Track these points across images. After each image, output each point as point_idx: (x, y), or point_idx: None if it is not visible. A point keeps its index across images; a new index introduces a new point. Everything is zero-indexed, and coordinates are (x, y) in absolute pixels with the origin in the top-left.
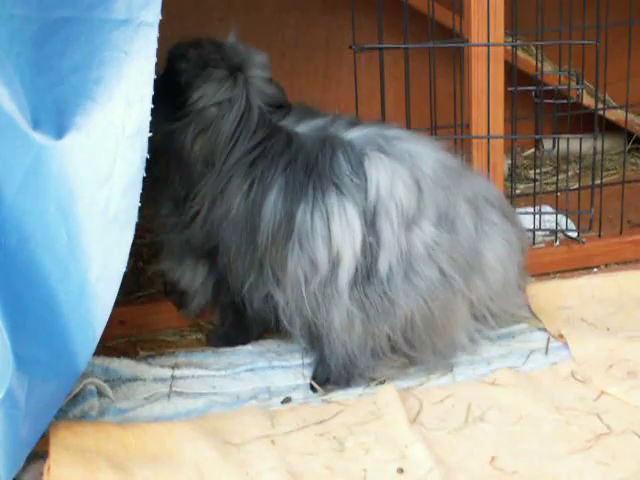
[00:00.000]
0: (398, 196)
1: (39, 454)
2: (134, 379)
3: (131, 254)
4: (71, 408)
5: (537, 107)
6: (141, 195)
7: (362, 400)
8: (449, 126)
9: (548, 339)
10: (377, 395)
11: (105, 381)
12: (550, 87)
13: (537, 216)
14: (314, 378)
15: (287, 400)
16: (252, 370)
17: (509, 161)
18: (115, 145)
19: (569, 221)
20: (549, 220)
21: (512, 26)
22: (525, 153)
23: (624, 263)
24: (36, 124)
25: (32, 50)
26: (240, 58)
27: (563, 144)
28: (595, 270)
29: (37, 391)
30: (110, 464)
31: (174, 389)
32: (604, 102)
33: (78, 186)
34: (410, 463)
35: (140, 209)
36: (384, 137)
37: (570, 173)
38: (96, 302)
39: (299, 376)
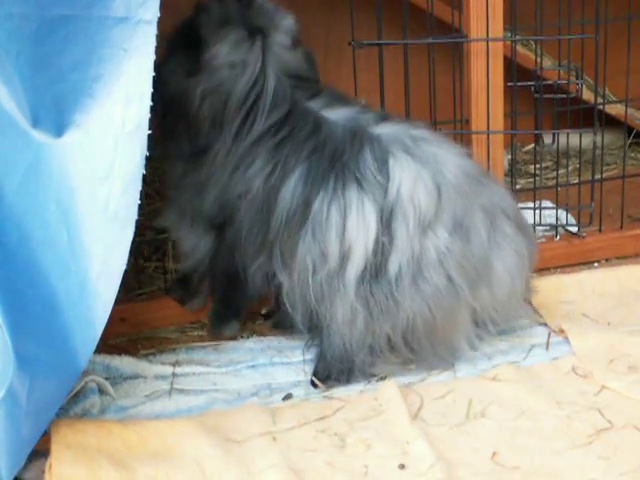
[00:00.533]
0: (418, 200)
1: (40, 452)
2: (135, 376)
3: (131, 251)
4: (72, 406)
5: (537, 102)
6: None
7: (363, 396)
8: (449, 121)
9: (549, 334)
10: (378, 391)
11: (106, 379)
12: (550, 82)
13: (537, 211)
14: (315, 374)
15: (288, 397)
16: (253, 367)
17: (509, 156)
18: (115, 142)
19: (569, 216)
20: (550, 215)
21: (511, 21)
22: (525, 148)
23: (625, 258)
24: (36, 122)
25: (31, 48)
26: (263, 21)
27: (563, 139)
28: (596, 265)
29: (38, 389)
30: (111, 461)
31: (175, 386)
32: (604, 97)
33: (78, 184)
34: (411, 459)
35: (140, 206)
36: (411, 137)
37: (570, 168)
38: (97, 300)
39: (300, 372)
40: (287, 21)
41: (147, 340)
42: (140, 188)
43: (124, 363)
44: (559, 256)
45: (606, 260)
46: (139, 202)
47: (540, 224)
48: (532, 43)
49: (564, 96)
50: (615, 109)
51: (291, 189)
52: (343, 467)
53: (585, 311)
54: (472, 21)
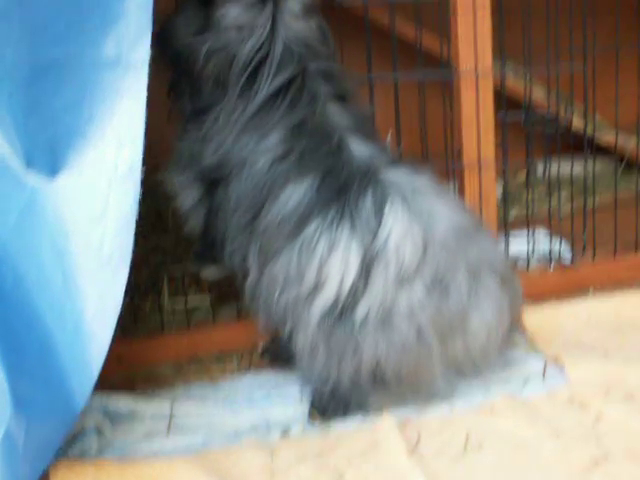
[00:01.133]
0: (402, 253)
1: None
2: (132, 415)
3: (127, 289)
4: (70, 446)
5: (527, 134)
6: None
7: (360, 430)
8: (440, 153)
9: (545, 364)
10: (375, 425)
11: (104, 418)
12: (539, 115)
13: (530, 240)
14: (312, 408)
15: (286, 432)
16: (250, 402)
17: (502, 185)
18: (108, 184)
19: (563, 244)
20: (544, 243)
21: (500, 52)
22: (518, 178)
23: (619, 285)
24: (29, 164)
25: (24, 91)
26: None
27: (555, 167)
28: (590, 293)
29: (35, 431)
30: None
31: (173, 424)
32: (594, 124)
33: (72, 225)
34: None
35: (135, 242)
36: (412, 188)
37: (564, 196)
38: (92, 341)
39: (298, 407)
40: None
41: (144, 378)
42: (134, 229)
43: (121, 402)
44: (553, 285)
45: (600, 288)
46: (134, 238)
47: (533, 254)
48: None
49: (553, 129)
50: (606, 137)
51: (297, 196)
52: None
53: (581, 340)
54: (461, 54)
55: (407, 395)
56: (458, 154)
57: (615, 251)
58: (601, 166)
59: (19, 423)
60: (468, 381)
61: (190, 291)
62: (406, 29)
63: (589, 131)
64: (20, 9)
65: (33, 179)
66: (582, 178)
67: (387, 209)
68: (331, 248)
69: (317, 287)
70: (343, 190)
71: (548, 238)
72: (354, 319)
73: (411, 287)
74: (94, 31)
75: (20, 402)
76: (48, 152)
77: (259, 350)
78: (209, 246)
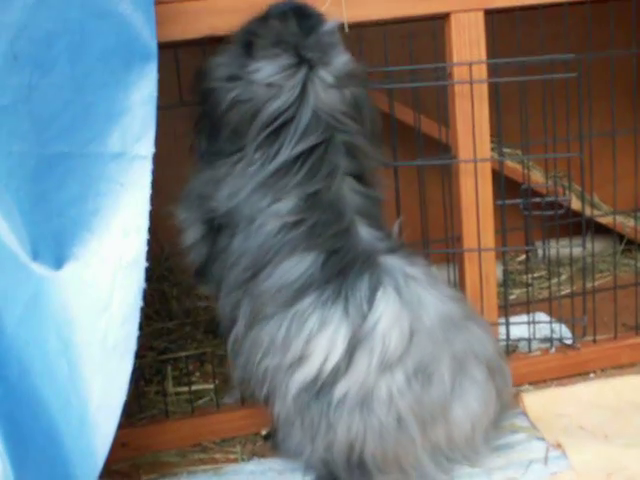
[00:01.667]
0: (389, 341)
1: None
2: None
3: (132, 374)
4: None
5: (526, 219)
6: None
7: None
8: (441, 240)
9: (547, 448)
10: None
11: None
12: (537, 200)
13: (531, 323)
14: None
15: None
16: None
17: (503, 267)
18: (113, 275)
19: (564, 327)
20: (544, 327)
21: (498, 138)
22: (519, 258)
23: (620, 367)
24: (35, 255)
25: (31, 184)
26: (315, 53)
27: (555, 248)
28: (592, 376)
29: None
30: None
31: None
32: (592, 205)
33: (77, 316)
34: None
35: (140, 327)
36: (405, 275)
37: (564, 277)
38: (97, 431)
39: None
40: (339, 59)
41: (149, 464)
42: (138, 319)
43: None
44: (555, 368)
45: (602, 370)
46: (139, 323)
47: (534, 338)
48: (519, 153)
49: (552, 212)
50: (605, 218)
51: (299, 269)
52: None
53: (582, 424)
54: (460, 142)
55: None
56: (458, 239)
57: (616, 332)
58: (601, 246)
59: None
60: (470, 467)
61: (194, 375)
62: (405, 115)
63: (588, 212)
64: (28, 104)
65: (39, 270)
66: (582, 259)
67: (379, 295)
68: (322, 325)
69: (301, 360)
70: (343, 271)
71: (549, 320)
72: (331, 398)
73: (393, 374)
74: (99, 125)
75: None
76: (54, 243)
77: (262, 435)
78: (205, 280)
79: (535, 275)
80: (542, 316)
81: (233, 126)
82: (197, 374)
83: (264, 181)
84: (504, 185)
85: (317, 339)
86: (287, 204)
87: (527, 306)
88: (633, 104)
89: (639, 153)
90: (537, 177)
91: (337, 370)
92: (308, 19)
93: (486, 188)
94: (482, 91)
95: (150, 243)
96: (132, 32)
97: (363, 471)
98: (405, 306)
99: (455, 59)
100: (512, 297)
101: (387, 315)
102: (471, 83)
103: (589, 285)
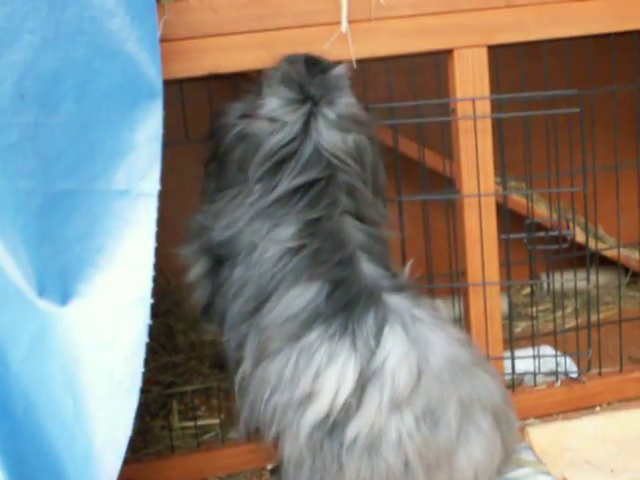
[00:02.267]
0: (398, 378)
1: None
2: None
3: (138, 410)
4: None
5: (530, 253)
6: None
7: None
8: (445, 274)
9: None
10: None
11: None
12: (542, 234)
13: (536, 357)
14: None
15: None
16: None
17: (508, 300)
18: (118, 312)
19: (569, 360)
20: (550, 360)
21: (502, 172)
22: (524, 291)
23: (626, 401)
24: (41, 292)
25: (36, 221)
26: (321, 92)
27: (559, 281)
28: (597, 409)
29: None
30: None
31: None
32: (596, 238)
33: (82, 352)
34: None
35: (146, 361)
36: (411, 315)
37: (569, 310)
38: (102, 468)
39: None
40: (343, 100)
41: None
42: (144, 356)
43: None
44: (560, 402)
45: (607, 404)
46: (145, 357)
47: (540, 372)
48: (524, 186)
49: (556, 247)
50: (610, 251)
51: (304, 299)
52: None
53: (588, 458)
54: (464, 176)
55: None
56: (462, 273)
57: (621, 365)
58: (606, 278)
59: None
60: None
61: (200, 410)
62: (410, 149)
63: (592, 245)
64: (34, 142)
65: (45, 306)
66: (587, 292)
67: (387, 331)
68: (330, 359)
69: (310, 396)
70: (349, 305)
71: (554, 354)
72: (343, 439)
73: (402, 414)
74: (105, 162)
75: None
76: (59, 280)
77: (269, 470)
78: (210, 317)
79: (540, 308)
80: (547, 349)
81: (237, 161)
82: (203, 408)
83: (263, 210)
84: (508, 218)
85: (326, 374)
86: (287, 230)
87: (532, 340)
88: (637, 137)
89: None
90: (541, 210)
91: (348, 407)
92: (317, 64)
93: (490, 222)
94: (486, 126)
95: (156, 279)
96: (138, 70)
97: None
98: (412, 345)
99: (459, 94)
100: (517, 330)
101: (395, 352)
102: (474, 119)
103: (594, 318)
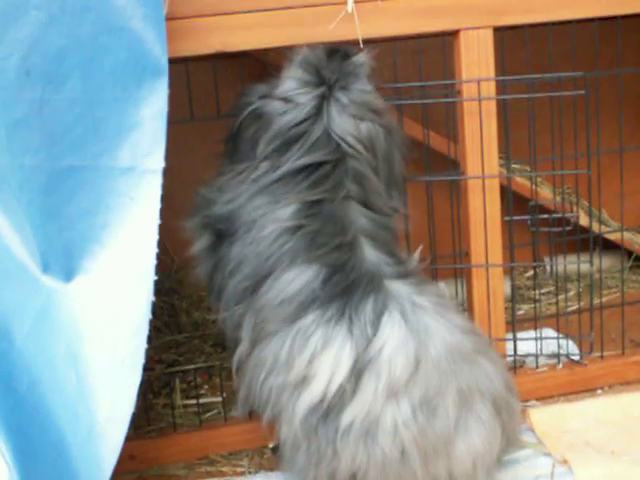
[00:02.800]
0: (395, 366)
1: None
2: None
3: (140, 387)
4: None
5: (534, 235)
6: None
7: None
8: (449, 255)
9: (553, 464)
10: None
11: None
12: (545, 216)
13: (538, 339)
14: None
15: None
16: None
17: (511, 282)
18: (122, 288)
19: (571, 343)
20: (552, 342)
21: (506, 154)
22: (527, 274)
23: (627, 384)
24: (46, 268)
25: (41, 197)
26: (337, 77)
27: (562, 264)
28: (599, 392)
29: None
30: None
31: None
32: (600, 222)
33: (86, 328)
34: None
35: (149, 339)
36: (412, 303)
37: (572, 293)
38: (105, 443)
39: None
40: (359, 87)
41: (156, 477)
42: (147, 333)
43: None
44: (562, 384)
45: (609, 387)
46: (148, 335)
47: (542, 354)
48: (528, 169)
49: (560, 229)
50: (613, 234)
51: (301, 282)
52: None
53: (588, 440)
54: (468, 158)
55: None
56: (466, 255)
57: (623, 349)
58: (609, 262)
59: None
60: None
61: (202, 388)
62: (414, 130)
63: (596, 228)
64: (40, 118)
65: (49, 282)
66: (590, 275)
67: (385, 319)
68: (325, 343)
69: (305, 380)
70: (347, 291)
71: (556, 336)
72: (338, 424)
73: (398, 403)
74: (110, 139)
75: None
76: (64, 257)
77: (270, 448)
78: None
79: (543, 291)
80: (550, 332)
81: (250, 139)
82: (205, 387)
83: (266, 187)
84: (512, 201)
85: (321, 358)
86: (286, 209)
87: (535, 322)
88: None
89: None
90: (545, 193)
91: (343, 392)
92: (337, 51)
93: (494, 204)
94: (490, 108)
95: (159, 256)
96: (143, 48)
97: None
98: (411, 333)
99: (464, 76)
100: (520, 313)
101: (392, 340)
102: (479, 100)
103: (597, 301)
